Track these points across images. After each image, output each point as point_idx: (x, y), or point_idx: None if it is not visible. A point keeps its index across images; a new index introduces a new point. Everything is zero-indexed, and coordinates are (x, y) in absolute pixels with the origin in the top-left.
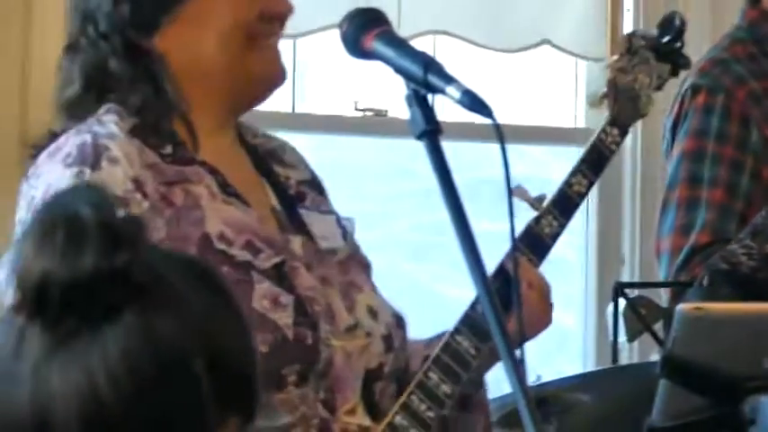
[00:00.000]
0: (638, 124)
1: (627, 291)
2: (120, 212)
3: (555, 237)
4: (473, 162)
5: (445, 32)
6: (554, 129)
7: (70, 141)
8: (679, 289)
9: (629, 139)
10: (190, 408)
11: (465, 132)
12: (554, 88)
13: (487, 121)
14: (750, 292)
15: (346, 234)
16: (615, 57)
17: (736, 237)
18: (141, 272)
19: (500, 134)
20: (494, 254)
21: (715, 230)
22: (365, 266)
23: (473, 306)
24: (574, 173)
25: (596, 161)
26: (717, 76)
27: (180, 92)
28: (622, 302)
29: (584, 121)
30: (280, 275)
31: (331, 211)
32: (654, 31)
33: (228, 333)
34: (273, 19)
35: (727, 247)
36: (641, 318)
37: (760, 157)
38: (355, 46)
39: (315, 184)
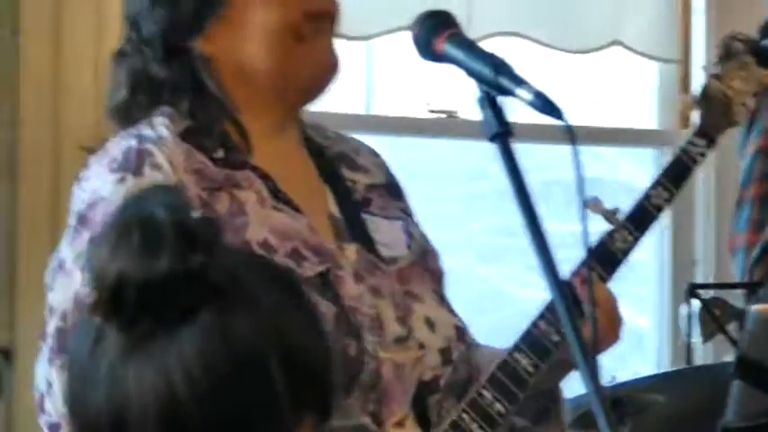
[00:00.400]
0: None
1: (700, 292)
2: (196, 214)
3: (627, 252)
4: (545, 163)
5: (516, 34)
6: (626, 130)
7: (117, 146)
8: (754, 288)
9: None
10: (266, 406)
11: (536, 134)
12: (625, 89)
13: (559, 122)
14: None
15: (412, 241)
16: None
17: None
18: (216, 273)
19: (572, 136)
20: (566, 255)
21: None
22: (433, 275)
23: (535, 323)
24: (654, 185)
25: (679, 173)
26: None
27: (227, 95)
28: (696, 303)
29: (656, 122)
30: (324, 284)
31: (399, 218)
32: (754, 35)
33: (302, 333)
34: (319, 17)
35: None
36: (715, 318)
37: None
38: (426, 48)
39: (390, 188)
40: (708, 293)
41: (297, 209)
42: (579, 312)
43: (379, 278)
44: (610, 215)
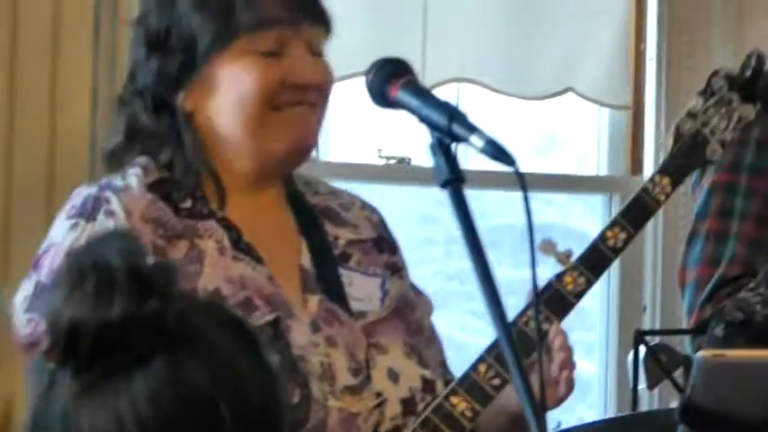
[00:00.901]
0: (660, 157)
1: (647, 338)
2: (151, 260)
3: (580, 294)
4: (496, 209)
5: (469, 80)
6: (576, 177)
7: (80, 194)
8: (701, 334)
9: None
10: None
11: (488, 180)
12: (577, 136)
13: (510, 169)
14: (766, 341)
15: (386, 297)
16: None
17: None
18: (170, 319)
19: (523, 183)
20: (515, 301)
21: (745, 263)
22: (409, 328)
23: (474, 367)
24: (611, 226)
25: (639, 214)
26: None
27: (201, 151)
28: (643, 350)
29: (607, 168)
30: (274, 333)
31: (377, 274)
32: (736, 71)
33: (252, 377)
34: (303, 88)
35: (740, 295)
36: (661, 365)
37: None
38: (381, 95)
39: (379, 243)
40: (655, 340)
41: (259, 259)
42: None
43: (336, 329)
44: (563, 257)
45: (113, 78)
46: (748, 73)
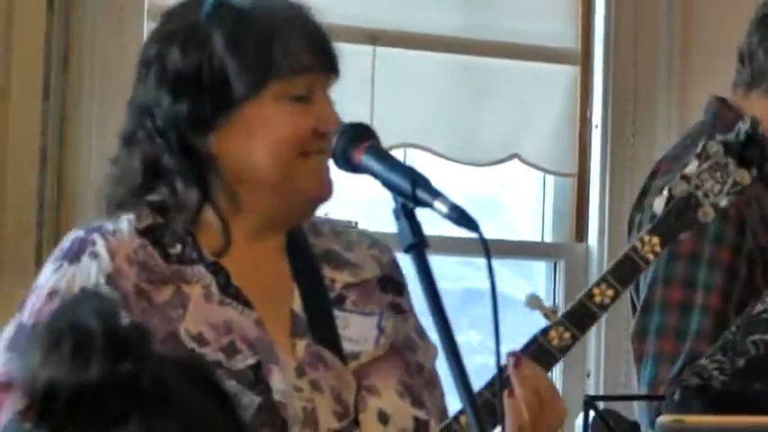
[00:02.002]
0: (605, 224)
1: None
2: (125, 321)
3: (565, 350)
4: (459, 274)
5: (416, 146)
6: (521, 243)
7: (69, 238)
8: (655, 400)
9: (594, 246)
10: None
11: (449, 246)
12: (522, 203)
13: (473, 235)
14: (722, 407)
15: (382, 336)
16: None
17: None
18: (146, 380)
19: (486, 249)
20: (479, 363)
21: (711, 338)
22: (408, 368)
23: (456, 417)
24: (599, 283)
25: (627, 272)
26: None
27: (225, 194)
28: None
29: (551, 236)
30: (255, 377)
31: (375, 313)
32: (733, 136)
33: None
34: (325, 135)
35: (697, 362)
36: (611, 430)
37: (753, 263)
38: (344, 159)
39: (383, 282)
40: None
41: (247, 303)
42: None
43: (322, 373)
44: (549, 312)
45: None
46: (744, 138)
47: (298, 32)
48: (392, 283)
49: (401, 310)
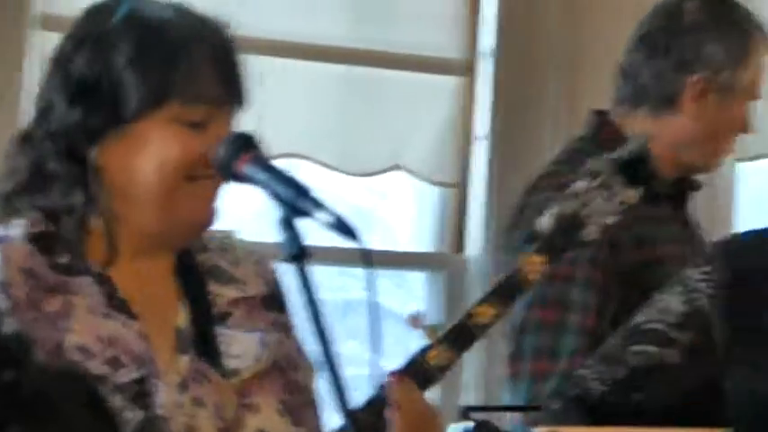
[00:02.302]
0: (486, 236)
1: (471, 414)
2: (8, 330)
3: (445, 369)
4: (341, 285)
5: (300, 156)
6: (402, 254)
7: None
8: (529, 411)
9: (474, 257)
10: None
11: (331, 256)
12: (404, 213)
13: (356, 245)
14: (600, 418)
15: (265, 352)
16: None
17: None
18: (27, 389)
19: (368, 259)
20: (359, 374)
21: (586, 356)
22: (289, 386)
23: None
24: (480, 302)
25: (509, 292)
26: None
27: (108, 206)
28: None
29: (432, 247)
30: (138, 391)
31: (259, 329)
32: (621, 154)
33: None
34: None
35: (576, 372)
36: None
37: (627, 282)
38: (228, 169)
39: (266, 300)
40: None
41: (132, 316)
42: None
43: (205, 388)
44: (430, 331)
45: None
46: (632, 157)
47: (206, 58)
48: (276, 301)
49: (284, 328)
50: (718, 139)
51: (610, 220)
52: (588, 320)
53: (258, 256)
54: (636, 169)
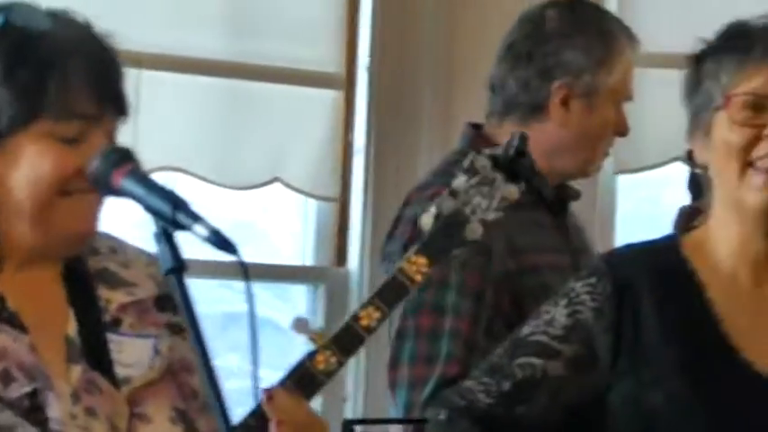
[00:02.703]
0: (366, 249)
1: (356, 428)
2: None
3: (331, 374)
4: (222, 297)
5: (179, 169)
6: (282, 267)
7: None
8: (413, 423)
9: (355, 270)
10: None
11: (212, 269)
12: (283, 226)
13: (233, 258)
14: (487, 429)
15: (158, 358)
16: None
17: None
18: None
19: (246, 272)
20: (239, 386)
21: (461, 362)
22: (183, 391)
23: None
24: (365, 305)
25: (394, 293)
26: None
27: None
28: None
29: (313, 260)
30: (31, 405)
31: (151, 335)
32: (501, 151)
33: None
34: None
35: (462, 383)
36: None
37: (500, 288)
38: (104, 184)
39: (159, 301)
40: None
41: (22, 329)
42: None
43: (97, 399)
44: (315, 336)
45: None
46: (512, 153)
47: (82, 71)
48: (170, 301)
49: (179, 329)
50: (591, 143)
51: (492, 216)
52: (462, 326)
53: (150, 257)
54: (516, 165)
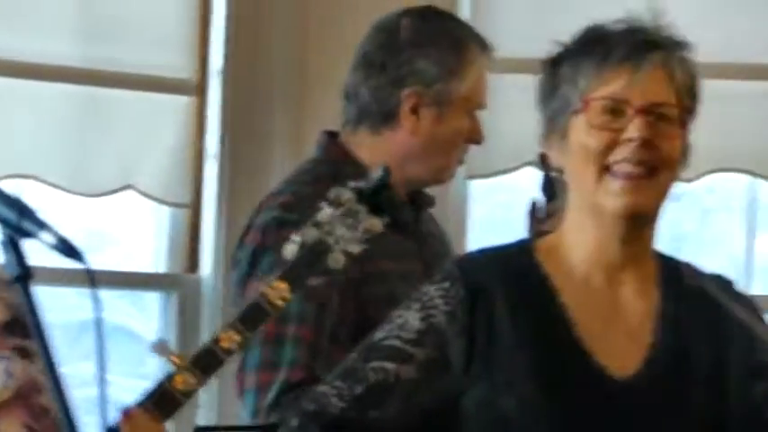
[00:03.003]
0: (219, 256)
1: None
2: None
3: (189, 395)
4: (77, 305)
5: (29, 176)
6: (134, 274)
7: None
8: (264, 430)
9: (208, 277)
10: None
11: (63, 277)
12: (136, 234)
13: (80, 266)
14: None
15: (11, 380)
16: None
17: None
18: None
19: (92, 279)
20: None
21: (305, 367)
22: (32, 413)
23: None
24: (226, 328)
25: (255, 317)
26: (304, 212)
27: None
28: None
29: (166, 267)
30: None
31: (5, 357)
32: (365, 183)
33: None
34: None
35: (316, 388)
36: None
37: (344, 295)
38: None
39: (12, 325)
40: None
41: None
42: None
43: None
44: (175, 358)
45: None
46: (376, 185)
47: None
48: (20, 326)
49: (28, 353)
50: (442, 151)
51: (355, 248)
52: (306, 332)
53: (7, 282)
54: (379, 198)
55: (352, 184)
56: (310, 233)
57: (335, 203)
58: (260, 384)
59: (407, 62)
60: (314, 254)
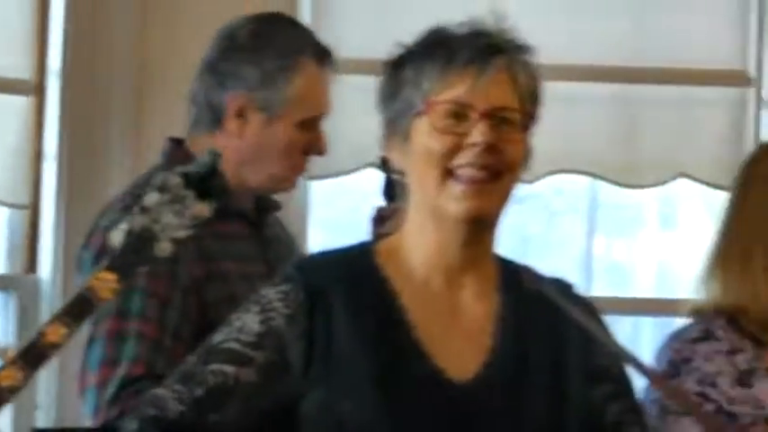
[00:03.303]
0: (58, 257)
1: None
2: None
3: (16, 390)
4: None
5: None
6: None
7: None
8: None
9: (47, 278)
10: None
11: None
12: None
13: None
14: None
15: None
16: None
17: (165, 377)
18: None
19: None
20: None
21: (147, 363)
22: None
23: None
24: (51, 321)
25: (81, 310)
26: None
27: None
28: None
29: (5, 268)
30: None
31: None
32: (193, 168)
33: None
34: None
35: (154, 391)
36: None
37: (188, 293)
38: None
39: None
40: None
41: None
42: None
43: None
44: (1, 353)
45: None
46: (203, 170)
47: None
48: None
49: None
50: (271, 158)
51: (182, 234)
52: (148, 329)
53: None
54: (207, 183)
55: (180, 168)
56: (137, 220)
57: (163, 189)
58: (101, 380)
59: (235, 67)
60: (140, 241)
